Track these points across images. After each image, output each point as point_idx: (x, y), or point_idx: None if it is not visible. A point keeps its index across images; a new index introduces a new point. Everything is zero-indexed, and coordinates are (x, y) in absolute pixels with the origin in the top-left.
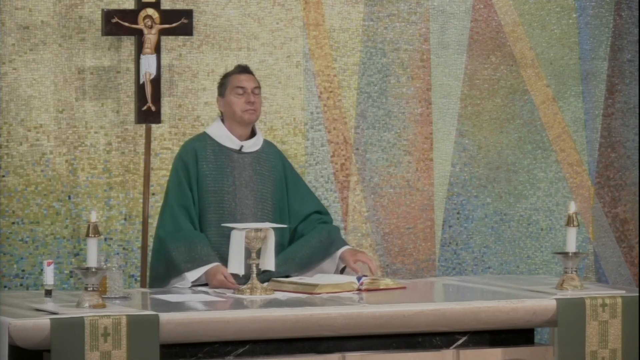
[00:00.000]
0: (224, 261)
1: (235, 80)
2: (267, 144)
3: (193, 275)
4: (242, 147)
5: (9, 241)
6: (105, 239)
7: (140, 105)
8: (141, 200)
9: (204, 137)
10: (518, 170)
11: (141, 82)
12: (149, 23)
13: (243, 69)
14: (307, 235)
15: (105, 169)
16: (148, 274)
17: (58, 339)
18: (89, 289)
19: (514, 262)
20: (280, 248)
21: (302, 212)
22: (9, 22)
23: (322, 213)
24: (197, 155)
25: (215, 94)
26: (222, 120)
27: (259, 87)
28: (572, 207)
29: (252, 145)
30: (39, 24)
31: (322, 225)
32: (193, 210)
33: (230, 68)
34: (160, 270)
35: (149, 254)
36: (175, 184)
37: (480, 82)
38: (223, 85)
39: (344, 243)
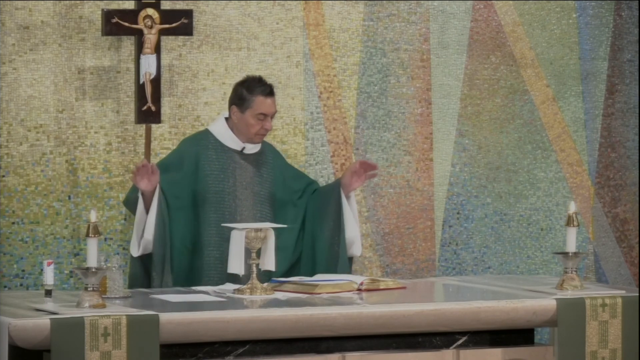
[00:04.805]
0: (224, 262)
1: (261, 106)
2: (266, 144)
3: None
4: (244, 148)
5: (9, 241)
6: (105, 239)
7: (140, 105)
8: None
9: (207, 136)
10: (518, 170)
11: (141, 82)
12: (149, 23)
13: (270, 91)
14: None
15: (105, 169)
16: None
17: (58, 339)
18: (89, 289)
19: (514, 262)
20: (285, 251)
21: (299, 189)
22: (9, 22)
23: (313, 184)
24: (198, 158)
25: (216, 93)
26: (227, 120)
27: (276, 111)
28: (572, 207)
29: (254, 147)
30: (39, 24)
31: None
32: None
33: (230, 67)
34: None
35: None
36: (165, 165)
37: (480, 82)
38: (245, 100)
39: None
